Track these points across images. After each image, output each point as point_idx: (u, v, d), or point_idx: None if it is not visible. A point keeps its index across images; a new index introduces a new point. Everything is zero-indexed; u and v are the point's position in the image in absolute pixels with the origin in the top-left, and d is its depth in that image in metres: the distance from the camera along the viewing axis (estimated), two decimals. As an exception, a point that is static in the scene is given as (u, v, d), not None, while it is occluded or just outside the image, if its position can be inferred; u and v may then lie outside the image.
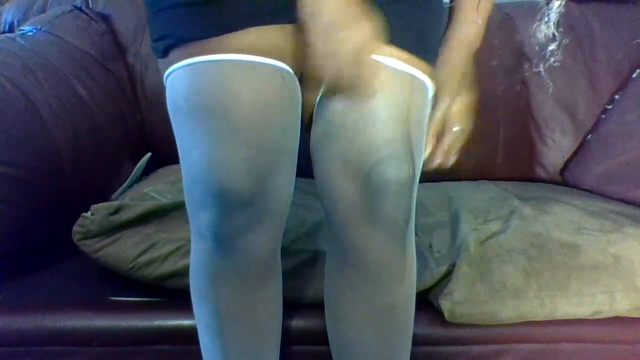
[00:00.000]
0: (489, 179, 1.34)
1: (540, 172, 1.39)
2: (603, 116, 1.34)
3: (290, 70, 0.60)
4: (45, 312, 0.84)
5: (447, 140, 0.72)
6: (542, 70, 0.71)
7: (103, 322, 0.84)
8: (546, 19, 0.69)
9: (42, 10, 1.40)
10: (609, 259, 0.87)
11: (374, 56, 0.58)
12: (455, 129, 0.72)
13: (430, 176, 1.34)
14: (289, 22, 0.57)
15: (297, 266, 0.86)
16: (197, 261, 0.66)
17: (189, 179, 0.61)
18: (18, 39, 1.13)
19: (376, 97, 0.58)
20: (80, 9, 1.33)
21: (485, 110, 1.36)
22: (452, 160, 0.75)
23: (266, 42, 0.57)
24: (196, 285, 0.68)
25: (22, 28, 1.24)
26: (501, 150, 1.37)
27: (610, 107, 1.34)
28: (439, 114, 0.70)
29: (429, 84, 0.65)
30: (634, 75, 1.32)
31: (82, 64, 1.20)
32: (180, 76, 0.58)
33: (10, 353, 0.84)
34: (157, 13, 0.60)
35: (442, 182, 1.28)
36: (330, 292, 0.72)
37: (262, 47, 0.56)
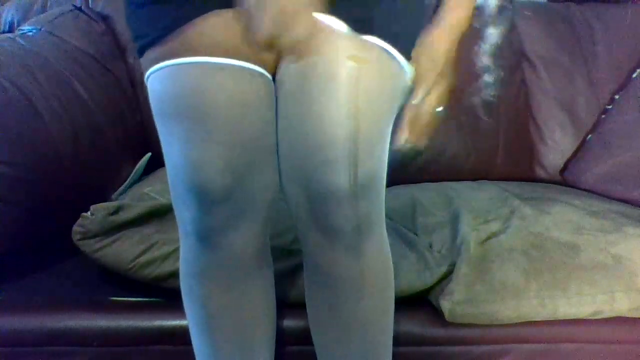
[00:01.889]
0: (489, 179, 1.34)
1: (540, 172, 1.39)
2: (603, 116, 1.34)
3: (261, 70, 0.60)
4: (45, 312, 0.84)
5: (421, 124, 0.69)
6: (475, 103, 0.67)
7: (103, 322, 0.84)
8: (481, 47, 0.64)
9: (42, 10, 1.40)
10: (609, 259, 0.87)
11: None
12: (438, 109, 0.69)
13: (430, 176, 1.35)
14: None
15: (297, 266, 0.86)
16: (185, 260, 0.67)
17: (170, 178, 0.62)
18: (18, 39, 1.13)
19: (323, 86, 0.57)
20: (80, 9, 1.33)
21: (485, 110, 1.37)
22: (424, 142, 0.71)
23: (231, 44, 0.58)
24: (184, 284, 0.69)
25: (22, 28, 1.24)
26: (501, 150, 1.37)
27: (610, 107, 1.34)
28: (416, 100, 0.67)
29: (406, 67, 0.63)
30: (634, 75, 1.32)
31: (82, 64, 1.20)
32: (157, 79, 0.60)
33: (10, 353, 0.84)
34: (130, 14, 0.61)
35: (442, 182, 1.28)
36: (306, 296, 0.72)
37: (231, 47, 0.57)
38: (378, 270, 0.66)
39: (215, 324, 0.68)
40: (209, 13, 0.57)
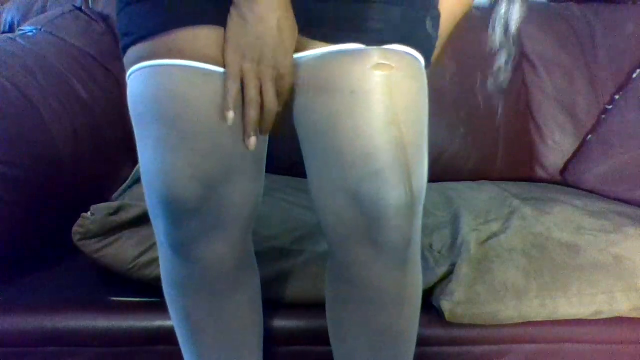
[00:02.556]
0: (489, 179, 1.34)
1: (540, 172, 1.39)
2: (603, 116, 1.34)
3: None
4: (45, 312, 0.84)
5: None
6: (489, 86, 0.65)
7: (103, 322, 0.84)
8: (491, 28, 0.61)
9: (42, 10, 1.39)
10: (609, 259, 0.87)
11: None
12: None
13: (430, 176, 1.35)
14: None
15: (297, 266, 0.86)
16: (163, 268, 0.65)
17: (144, 185, 0.60)
18: (18, 39, 1.13)
19: (352, 101, 0.54)
20: (80, 9, 1.33)
21: (485, 111, 1.37)
22: None
23: (215, 50, 0.55)
24: (166, 293, 0.67)
25: (22, 28, 1.24)
26: (501, 150, 1.37)
27: (610, 107, 1.34)
28: None
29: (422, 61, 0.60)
30: (634, 75, 1.32)
31: (82, 64, 1.20)
32: (137, 78, 0.57)
33: (10, 353, 0.84)
34: (119, 10, 0.59)
35: (442, 182, 1.28)
36: (331, 308, 0.69)
37: (211, 54, 0.54)
38: (417, 280, 0.65)
39: (198, 333, 0.67)
40: (202, 25, 0.54)
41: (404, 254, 0.59)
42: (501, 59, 0.67)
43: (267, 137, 0.60)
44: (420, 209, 0.59)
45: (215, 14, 0.54)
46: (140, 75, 0.56)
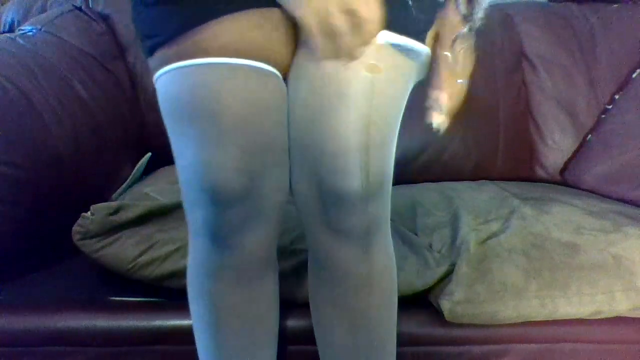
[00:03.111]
0: (489, 179, 1.34)
1: (540, 172, 1.39)
2: (603, 116, 1.34)
3: (274, 70, 0.60)
4: (45, 312, 0.84)
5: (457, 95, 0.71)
6: (448, 56, 0.66)
7: (103, 322, 0.84)
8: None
9: (42, 10, 1.39)
10: (609, 259, 0.87)
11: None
12: (459, 81, 0.71)
13: (430, 176, 1.35)
14: (267, 6, 0.58)
15: (297, 266, 0.86)
16: (195, 259, 0.67)
17: (183, 178, 0.62)
18: (18, 39, 1.13)
19: (343, 98, 0.58)
20: (80, 9, 1.33)
21: (485, 110, 1.37)
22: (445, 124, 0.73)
23: (247, 43, 0.57)
24: (194, 283, 0.69)
25: (22, 28, 1.24)
26: (501, 150, 1.37)
27: (610, 107, 1.34)
28: (442, 69, 0.68)
29: (422, 49, 0.63)
30: (634, 75, 1.32)
31: (82, 64, 1.20)
32: (168, 80, 0.59)
33: (10, 353, 0.84)
34: (138, 14, 0.61)
35: (442, 182, 1.28)
36: (310, 291, 0.73)
37: (243, 48, 0.57)
38: (384, 267, 0.68)
39: (223, 323, 0.68)
40: (224, 17, 0.56)
41: (365, 240, 0.64)
42: (462, 31, 0.67)
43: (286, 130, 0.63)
44: (380, 200, 0.63)
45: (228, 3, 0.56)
46: (172, 77, 0.58)
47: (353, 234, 0.63)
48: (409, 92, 0.65)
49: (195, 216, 0.63)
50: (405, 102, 0.65)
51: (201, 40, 0.56)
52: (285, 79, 0.62)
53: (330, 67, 0.58)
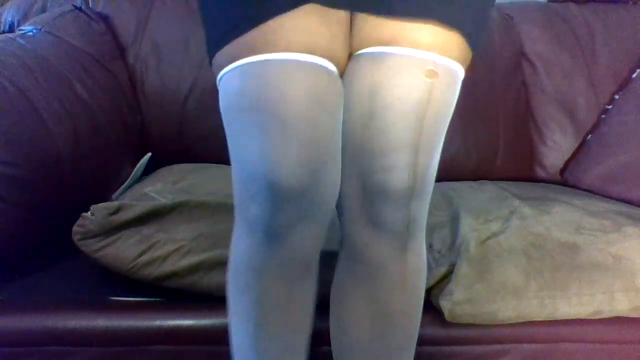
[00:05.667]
0: (489, 179, 1.34)
1: (540, 172, 1.39)
2: (603, 116, 1.34)
3: (334, 68, 0.61)
4: (45, 312, 0.84)
5: None
6: None
7: (103, 322, 0.84)
8: None
9: (42, 10, 1.40)
10: (609, 259, 0.87)
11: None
12: None
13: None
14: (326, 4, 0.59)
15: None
16: (243, 254, 0.67)
17: (242, 173, 0.62)
18: (18, 39, 1.13)
19: (395, 100, 0.59)
20: (80, 9, 1.33)
21: (485, 110, 1.37)
22: None
23: (310, 40, 0.58)
24: (239, 279, 0.69)
25: (22, 28, 1.24)
26: (501, 150, 1.37)
27: (610, 107, 1.34)
28: None
29: (461, 71, 0.64)
30: (634, 75, 1.32)
31: (82, 64, 1.20)
32: (232, 77, 0.60)
33: (10, 353, 0.84)
34: (208, 10, 0.62)
35: (442, 182, 1.28)
36: (337, 287, 0.73)
37: (309, 45, 0.58)
38: (418, 269, 0.70)
39: (267, 320, 0.68)
40: (288, 12, 0.57)
41: (403, 238, 0.65)
42: None
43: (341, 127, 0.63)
44: (421, 201, 0.65)
45: None
46: (239, 73, 0.59)
47: (393, 229, 0.64)
48: (458, 94, 0.67)
49: (248, 210, 0.63)
50: (455, 104, 0.66)
51: (267, 36, 0.57)
52: (341, 76, 0.64)
53: (387, 69, 0.59)
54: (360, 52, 0.62)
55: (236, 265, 0.68)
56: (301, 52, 0.58)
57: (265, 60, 0.58)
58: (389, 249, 0.66)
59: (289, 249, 0.64)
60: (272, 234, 0.62)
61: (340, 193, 0.65)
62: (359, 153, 0.62)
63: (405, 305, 0.70)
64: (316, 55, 0.59)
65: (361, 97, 0.61)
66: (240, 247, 0.67)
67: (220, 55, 0.61)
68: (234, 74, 0.60)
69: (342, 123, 0.63)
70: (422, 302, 0.73)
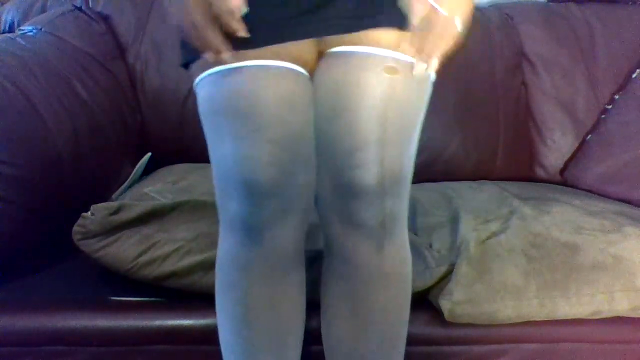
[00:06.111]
0: (489, 179, 1.34)
1: (540, 172, 1.39)
2: (603, 116, 1.34)
3: (303, 71, 0.64)
4: (45, 312, 0.84)
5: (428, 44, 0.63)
6: None
7: (103, 322, 0.84)
8: None
9: (42, 10, 1.40)
10: (608, 259, 0.87)
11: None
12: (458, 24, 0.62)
13: (430, 176, 1.35)
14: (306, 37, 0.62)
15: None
16: (226, 253, 0.69)
17: (219, 173, 0.66)
18: (18, 39, 1.13)
19: (359, 97, 0.61)
20: (80, 9, 1.33)
21: (485, 110, 1.37)
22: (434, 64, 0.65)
23: (278, 48, 0.61)
24: (224, 277, 0.70)
25: (22, 28, 1.24)
26: (501, 150, 1.37)
27: (610, 107, 1.34)
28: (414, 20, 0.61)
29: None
30: (634, 75, 1.32)
31: (82, 64, 1.20)
32: (208, 82, 0.63)
33: (10, 353, 0.84)
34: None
35: (442, 182, 1.28)
36: (323, 287, 0.74)
37: (275, 51, 0.61)
38: (398, 264, 0.71)
39: (252, 318, 0.70)
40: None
41: (378, 235, 0.66)
42: None
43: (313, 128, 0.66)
44: (397, 198, 0.66)
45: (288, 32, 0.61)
46: (212, 79, 0.63)
47: (368, 226, 0.65)
48: (428, 94, 0.68)
49: (228, 210, 0.65)
50: (425, 104, 0.67)
51: (238, 52, 0.61)
52: (311, 79, 0.66)
53: (351, 68, 0.62)
54: (328, 51, 0.64)
55: (221, 264, 0.70)
56: (270, 59, 0.61)
57: (237, 67, 0.61)
58: (365, 246, 0.67)
59: (270, 246, 0.65)
60: (252, 231, 0.64)
61: (318, 191, 0.67)
62: (329, 151, 0.64)
63: (386, 302, 0.71)
64: (285, 60, 0.61)
65: (328, 94, 0.63)
66: (224, 247, 0.69)
67: (193, 65, 0.65)
68: (208, 81, 0.63)
69: (315, 119, 0.65)
70: (408, 299, 0.73)
